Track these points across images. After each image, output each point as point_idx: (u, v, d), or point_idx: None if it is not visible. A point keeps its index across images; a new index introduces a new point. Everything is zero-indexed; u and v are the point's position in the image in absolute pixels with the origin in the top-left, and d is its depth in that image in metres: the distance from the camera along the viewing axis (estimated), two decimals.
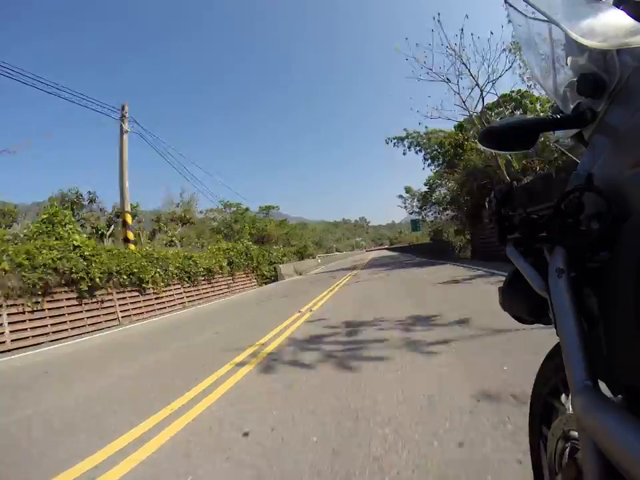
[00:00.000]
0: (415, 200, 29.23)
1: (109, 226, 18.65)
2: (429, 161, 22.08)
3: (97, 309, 7.45)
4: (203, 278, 11.75)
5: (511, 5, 0.61)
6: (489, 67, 13.86)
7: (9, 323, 5.77)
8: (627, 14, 0.47)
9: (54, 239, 7.36)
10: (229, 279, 13.59)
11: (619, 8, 0.50)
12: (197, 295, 11.13)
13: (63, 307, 6.74)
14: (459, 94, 14.49)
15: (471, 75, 13.98)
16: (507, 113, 17.39)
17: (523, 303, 0.64)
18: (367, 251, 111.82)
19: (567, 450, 0.60)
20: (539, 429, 0.73)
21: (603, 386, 0.43)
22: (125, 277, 8.22)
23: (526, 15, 0.60)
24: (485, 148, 0.64)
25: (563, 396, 0.67)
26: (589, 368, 0.41)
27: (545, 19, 0.54)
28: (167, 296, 9.72)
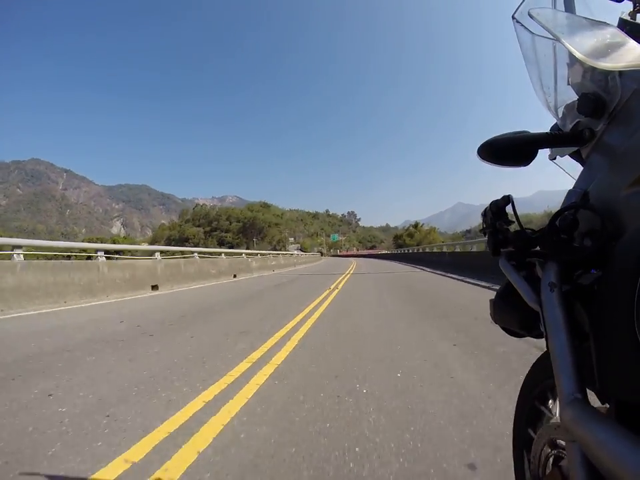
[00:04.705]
0: None
1: None
2: None
3: None
4: None
5: (518, 21, 0.62)
6: None
7: None
8: (630, 36, 0.48)
9: None
10: None
11: (622, 30, 0.51)
12: None
13: None
14: None
15: None
16: None
17: (514, 316, 0.65)
18: (333, 255, 67.67)
19: (552, 457, 0.62)
20: (524, 430, 0.75)
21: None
22: None
23: (532, 32, 0.61)
24: (482, 161, 0.64)
25: (550, 401, 0.68)
26: (579, 381, 0.42)
27: (551, 36, 0.54)
28: None
